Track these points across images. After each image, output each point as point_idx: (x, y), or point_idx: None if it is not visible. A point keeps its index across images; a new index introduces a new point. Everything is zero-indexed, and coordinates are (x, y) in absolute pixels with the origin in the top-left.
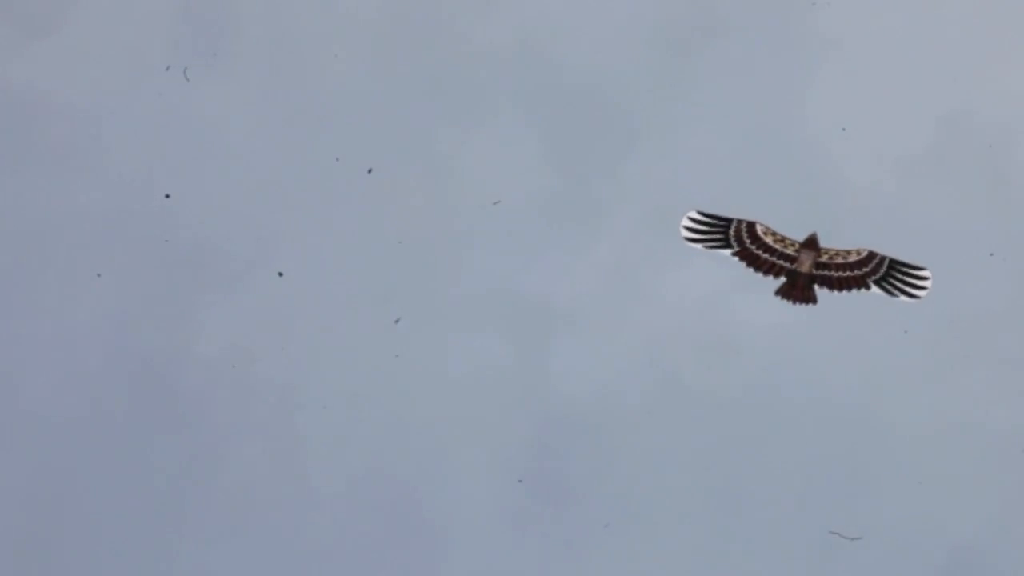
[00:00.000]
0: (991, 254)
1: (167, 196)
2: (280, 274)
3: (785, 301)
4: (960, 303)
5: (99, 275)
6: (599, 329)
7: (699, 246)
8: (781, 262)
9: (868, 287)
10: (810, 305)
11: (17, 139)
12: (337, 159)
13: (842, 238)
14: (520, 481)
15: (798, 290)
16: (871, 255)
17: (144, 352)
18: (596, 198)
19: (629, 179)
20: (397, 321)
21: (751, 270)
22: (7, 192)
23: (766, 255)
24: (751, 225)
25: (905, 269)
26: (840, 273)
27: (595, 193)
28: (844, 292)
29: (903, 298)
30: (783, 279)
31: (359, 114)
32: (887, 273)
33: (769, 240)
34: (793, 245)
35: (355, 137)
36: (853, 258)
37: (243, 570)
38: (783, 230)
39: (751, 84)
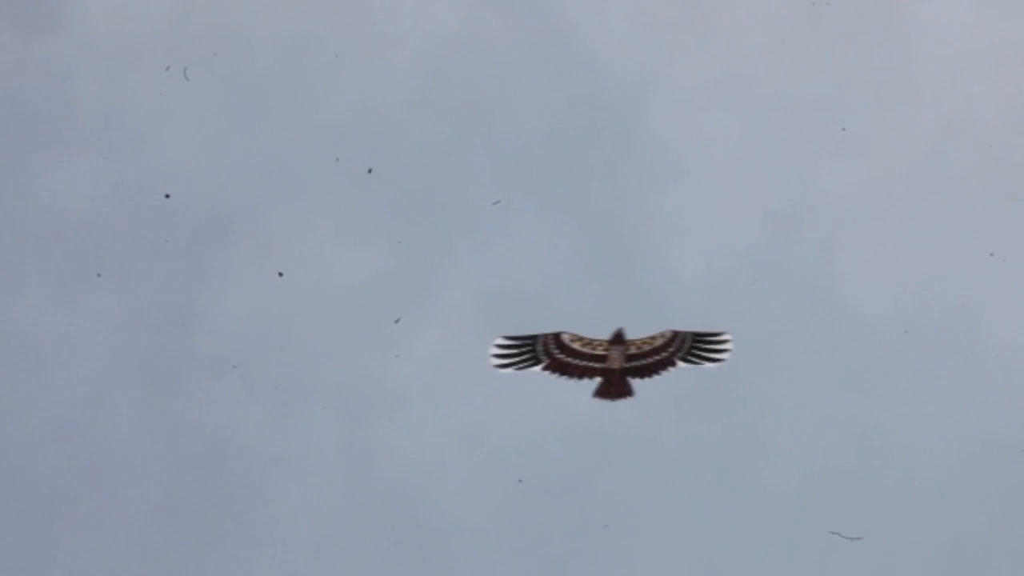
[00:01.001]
0: (991, 254)
1: (167, 196)
2: (280, 274)
3: (604, 400)
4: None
5: (99, 275)
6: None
7: (510, 369)
8: (592, 364)
9: (674, 364)
10: (627, 399)
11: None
12: (337, 159)
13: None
14: (520, 481)
15: (615, 387)
16: (675, 335)
17: (144, 352)
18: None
19: (460, 262)
20: (397, 321)
21: (565, 378)
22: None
23: (577, 360)
24: (556, 336)
25: (708, 339)
26: (650, 359)
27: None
28: (656, 376)
29: (708, 365)
30: (597, 379)
31: None
32: (691, 347)
33: (577, 346)
34: (601, 345)
35: None
36: (659, 342)
37: (243, 570)
38: (602, 330)
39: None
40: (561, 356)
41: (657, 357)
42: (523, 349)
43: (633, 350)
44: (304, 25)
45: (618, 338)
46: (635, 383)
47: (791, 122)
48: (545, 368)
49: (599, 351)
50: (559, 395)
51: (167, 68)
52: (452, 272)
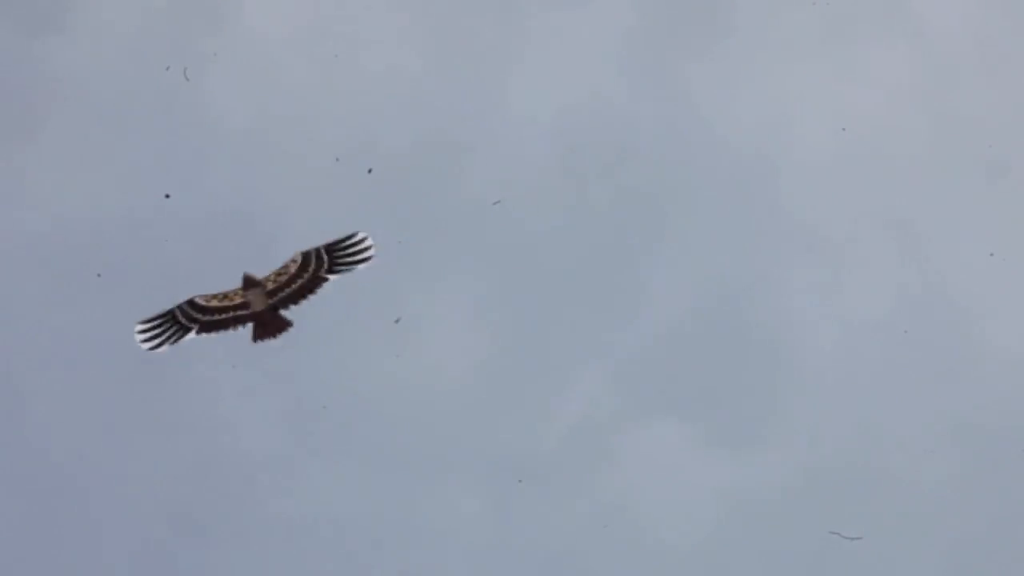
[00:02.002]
0: (991, 254)
1: (167, 196)
2: (397, 320)
3: (266, 341)
4: None
5: (99, 275)
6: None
7: (165, 347)
8: (239, 313)
9: (326, 279)
10: (286, 331)
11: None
12: (337, 159)
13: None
14: (520, 481)
15: (269, 326)
16: (306, 255)
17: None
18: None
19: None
20: (397, 321)
21: (222, 332)
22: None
23: (222, 316)
24: (191, 302)
25: (343, 245)
26: (293, 287)
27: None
28: (310, 297)
29: (361, 267)
30: (251, 325)
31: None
32: (331, 259)
33: (215, 303)
34: (238, 294)
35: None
36: (293, 268)
37: (243, 570)
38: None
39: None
40: (206, 317)
41: (300, 282)
42: (166, 325)
43: (271, 286)
44: (435, 105)
45: (249, 282)
46: (289, 312)
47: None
48: (199, 332)
49: (238, 300)
50: (712, 466)
51: (167, 68)
52: (592, 345)
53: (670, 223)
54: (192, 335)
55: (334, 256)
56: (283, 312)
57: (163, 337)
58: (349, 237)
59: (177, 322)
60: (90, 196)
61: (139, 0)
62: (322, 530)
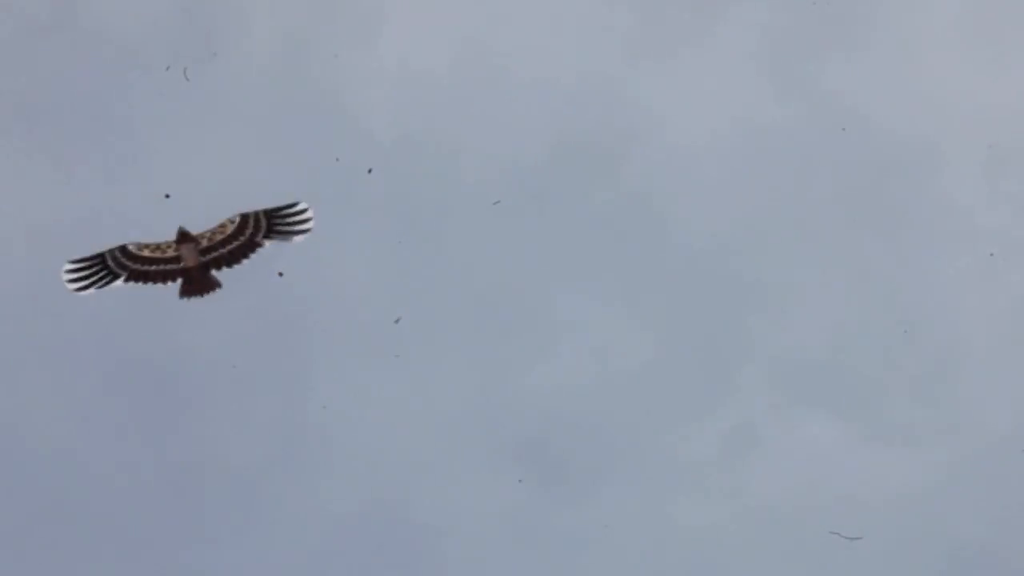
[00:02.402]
0: (991, 254)
1: (167, 196)
2: (280, 274)
3: (192, 298)
4: None
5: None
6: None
7: (91, 290)
8: (169, 267)
9: (261, 244)
10: (217, 291)
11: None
12: (337, 159)
13: None
14: (520, 481)
15: (198, 283)
16: (244, 217)
17: (144, 351)
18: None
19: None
20: (397, 321)
21: (150, 285)
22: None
23: (153, 267)
24: (123, 248)
25: (283, 213)
26: (228, 247)
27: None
28: (244, 261)
29: (297, 238)
30: (180, 281)
31: (470, 277)
32: (269, 225)
33: (147, 253)
34: (170, 247)
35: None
36: (230, 228)
37: (243, 569)
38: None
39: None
40: (136, 266)
41: (235, 243)
42: (94, 268)
43: (205, 243)
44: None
45: (183, 236)
46: (220, 274)
47: None
48: (127, 280)
49: (170, 253)
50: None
51: (167, 68)
52: (750, 346)
53: (824, 221)
54: (119, 283)
55: (273, 222)
56: (215, 273)
57: (90, 280)
58: (291, 206)
59: (106, 267)
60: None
61: (282, 21)
62: (475, 536)
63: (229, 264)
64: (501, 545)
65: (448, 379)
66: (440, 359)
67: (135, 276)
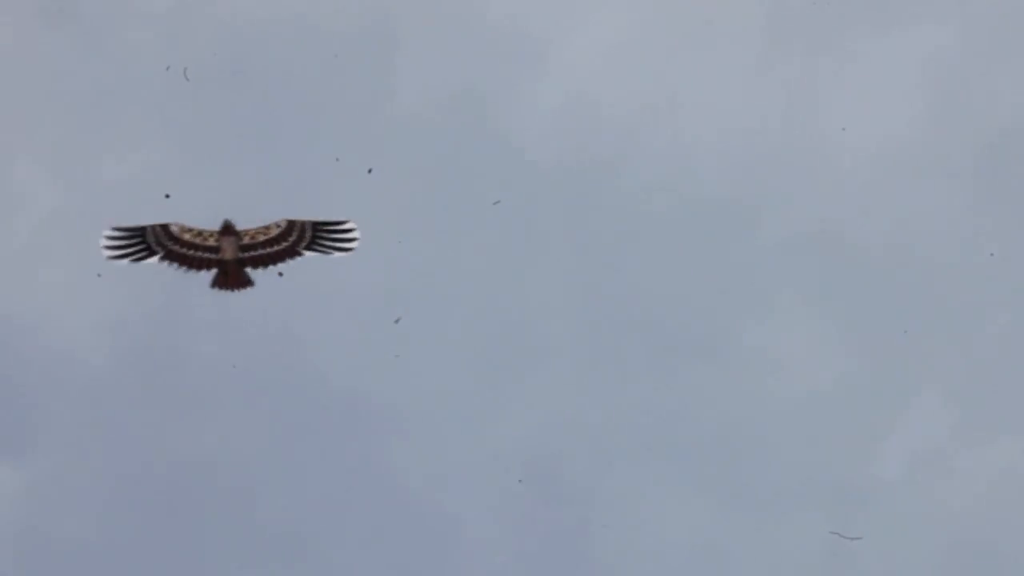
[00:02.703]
0: (991, 254)
1: (167, 196)
2: (280, 274)
3: (223, 291)
4: None
5: (99, 275)
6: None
7: (125, 261)
8: (206, 255)
9: (301, 254)
10: (247, 289)
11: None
12: (337, 159)
13: None
14: (520, 481)
15: (231, 277)
16: (291, 224)
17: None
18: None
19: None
20: (397, 321)
21: (184, 270)
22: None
23: (191, 252)
24: (165, 227)
25: (330, 227)
26: (267, 249)
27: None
28: (280, 264)
29: (337, 255)
30: (215, 272)
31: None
32: (314, 236)
33: (188, 237)
34: (212, 236)
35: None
36: (275, 232)
37: (243, 569)
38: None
39: None
40: (175, 247)
41: (276, 247)
42: (134, 240)
43: (247, 240)
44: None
45: (228, 229)
46: (255, 273)
47: None
48: (162, 259)
49: (211, 242)
50: None
51: (167, 68)
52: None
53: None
54: (155, 260)
55: (318, 235)
56: (249, 271)
57: (127, 251)
58: (340, 222)
59: (145, 241)
60: None
61: (463, 45)
62: (660, 557)
63: (265, 265)
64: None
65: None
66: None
67: (171, 257)
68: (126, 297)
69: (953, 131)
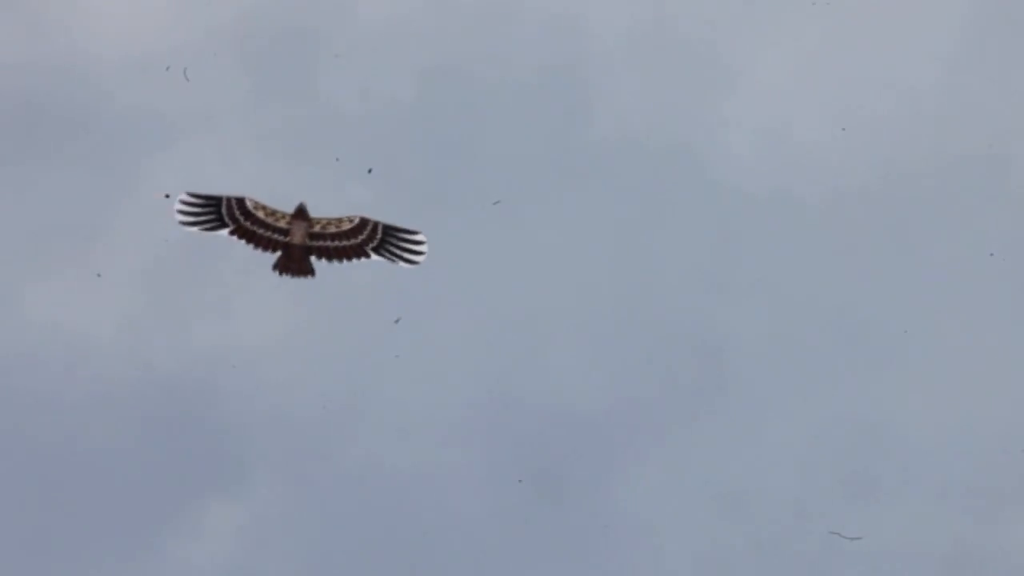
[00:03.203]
0: (991, 254)
1: (167, 196)
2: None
3: (284, 275)
4: None
5: (99, 275)
6: None
7: (195, 229)
8: (275, 236)
9: (367, 255)
10: (308, 277)
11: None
12: (337, 159)
13: None
14: (520, 481)
15: (294, 262)
16: (364, 222)
17: (143, 351)
18: None
19: None
20: (397, 321)
21: (250, 247)
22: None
23: (261, 230)
24: (240, 201)
25: (400, 234)
26: (336, 243)
27: None
28: (344, 262)
29: (402, 264)
30: (280, 254)
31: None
32: (384, 239)
33: (261, 215)
34: (284, 218)
35: None
36: (346, 226)
37: (244, 568)
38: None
39: None
40: (246, 223)
41: (345, 242)
42: (208, 209)
43: (317, 228)
44: None
45: (301, 213)
46: (319, 264)
47: None
48: (231, 233)
49: (282, 223)
50: None
51: (167, 68)
52: None
53: None
54: (224, 232)
55: (387, 239)
56: (313, 259)
57: (199, 219)
58: (411, 232)
59: (219, 212)
60: None
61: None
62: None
63: (330, 258)
64: None
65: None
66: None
67: (240, 232)
68: None
69: None
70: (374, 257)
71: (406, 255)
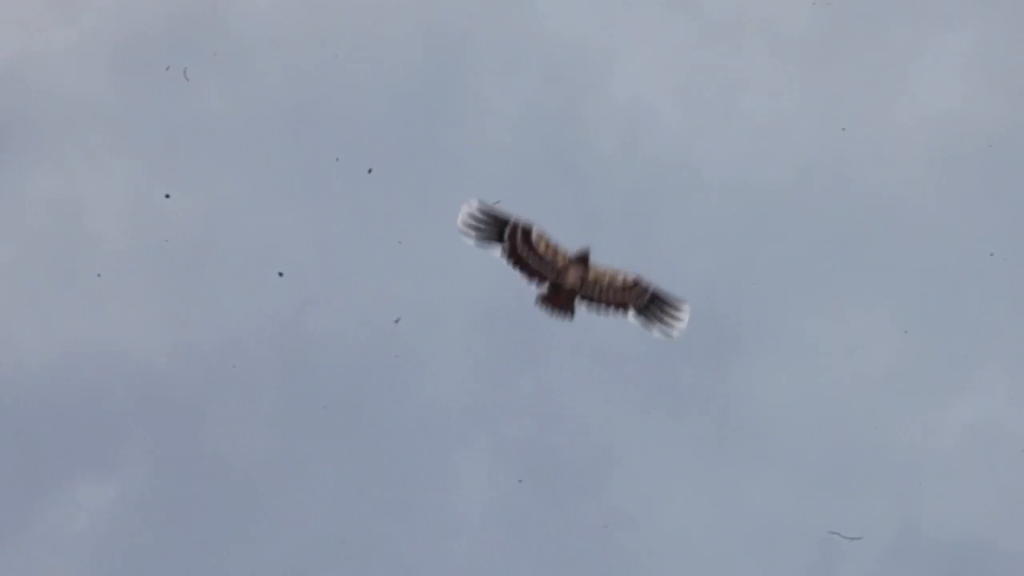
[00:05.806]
0: (991, 254)
1: (167, 196)
2: (280, 274)
3: (544, 308)
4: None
5: (99, 275)
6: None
7: (470, 239)
8: (548, 271)
9: (626, 314)
10: (567, 318)
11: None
12: (337, 159)
13: None
14: (520, 481)
15: (559, 301)
16: (637, 283)
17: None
18: None
19: None
20: (397, 321)
21: (516, 271)
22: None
23: (534, 261)
24: (527, 229)
25: (666, 304)
26: (605, 294)
27: None
28: (604, 313)
29: (656, 333)
30: (546, 289)
31: None
32: (648, 303)
33: (541, 247)
34: (564, 257)
35: None
36: (619, 282)
37: (244, 567)
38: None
39: None
40: (523, 250)
41: (613, 296)
42: (492, 223)
43: (592, 277)
44: None
45: (581, 258)
46: (581, 308)
47: None
48: (503, 254)
49: (559, 262)
50: None
51: (167, 68)
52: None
53: None
54: (496, 252)
55: (651, 305)
56: (577, 303)
57: (480, 230)
58: (676, 305)
59: (502, 230)
60: None
61: None
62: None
63: (592, 304)
64: None
65: None
66: None
67: (514, 256)
68: None
69: None
70: (631, 318)
71: (663, 322)
